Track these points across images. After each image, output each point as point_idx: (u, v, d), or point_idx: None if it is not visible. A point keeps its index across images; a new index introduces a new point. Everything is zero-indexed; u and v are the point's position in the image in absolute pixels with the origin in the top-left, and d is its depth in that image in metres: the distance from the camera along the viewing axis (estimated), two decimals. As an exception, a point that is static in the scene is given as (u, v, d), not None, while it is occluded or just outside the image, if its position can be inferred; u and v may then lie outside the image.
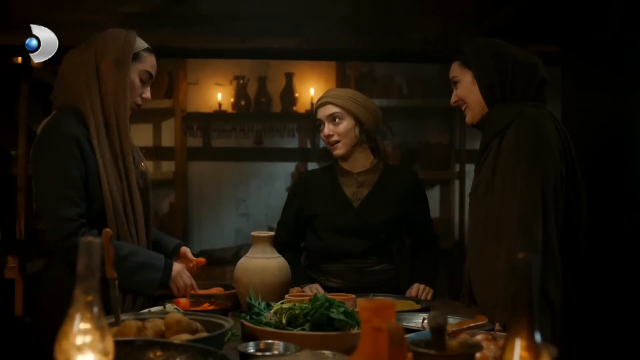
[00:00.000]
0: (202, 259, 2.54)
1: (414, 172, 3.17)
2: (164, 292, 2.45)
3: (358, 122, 2.84)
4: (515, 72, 2.23)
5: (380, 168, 2.93)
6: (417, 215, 2.95)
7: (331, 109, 2.84)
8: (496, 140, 2.23)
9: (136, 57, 2.30)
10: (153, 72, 2.38)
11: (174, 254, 2.51)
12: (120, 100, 2.25)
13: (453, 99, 2.39)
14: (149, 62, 2.36)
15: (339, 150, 2.87)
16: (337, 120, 2.83)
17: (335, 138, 2.85)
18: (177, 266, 2.32)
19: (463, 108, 2.37)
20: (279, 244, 2.95)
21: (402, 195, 2.89)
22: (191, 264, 2.50)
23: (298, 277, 2.79)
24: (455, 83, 2.37)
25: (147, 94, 2.38)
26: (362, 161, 2.91)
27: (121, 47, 2.27)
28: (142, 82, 2.34)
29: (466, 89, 2.33)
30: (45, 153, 2.21)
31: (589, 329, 3.17)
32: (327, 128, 2.85)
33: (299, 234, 2.99)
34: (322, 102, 2.87)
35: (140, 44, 2.34)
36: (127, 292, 2.20)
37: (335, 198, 2.89)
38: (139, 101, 2.36)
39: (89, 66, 2.24)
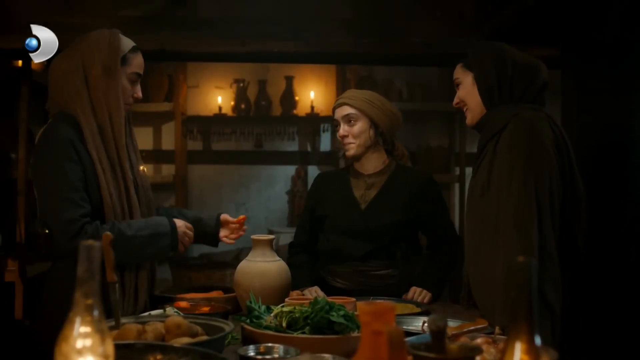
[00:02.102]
0: (242, 217, 2.64)
1: (427, 172, 3.13)
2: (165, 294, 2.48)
3: (373, 124, 2.85)
4: (515, 75, 2.24)
5: (391, 169, 2.93)
6: (429, 216, 2.91)
7: (346, 110, 2.85)
8: (492, 142, 2.24)
9: (124, 61, 2.30)
10: (141, 71, 2.38)
11: (218, 227, 2.60)
12: (113, 108, 2.26)
13: (455, 100, 2.41)
14: (136, 63, 2.36)
15: (351, 151, 2.88)
16: (351, 121, 2.85)
17: (349, 139, 2.86)
18: (179, 225, 2.38)
19: (464, 110, 2.39)
20: (296, 245, 2.98)
21: (412, 197, 2.86)
22: (235, 226, 2.61)
23: (307, 279, 2.80)
24: (458, 85, 2.39)
25: (138, 92, 2.38)
26: (374, 163, 2.91)
27: (107, 53, 2.26)
28: (132, 82, 2.35)
29: (466, 90, 2.35)
30: (43, 159, 2.22)
31: (589, 332, 3.16)
32: (342, 129, 2.87)
33: (315, 236, 2.99)
34: (338, 103, 2.90)
35: (125, 45, 2.32)
36: (143, 262, 2.29)
37: (343, 200, 2.90)
38: (131, 101, 2.37)
39: (77, 74, 2.24)
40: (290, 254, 2.99)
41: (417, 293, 2.74)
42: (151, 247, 2.26)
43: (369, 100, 2.85)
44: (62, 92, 2.26)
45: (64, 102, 2.25)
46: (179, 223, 2.38)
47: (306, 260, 2.93)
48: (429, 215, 2.92)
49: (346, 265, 2.84)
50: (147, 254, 2.28)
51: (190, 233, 2.42)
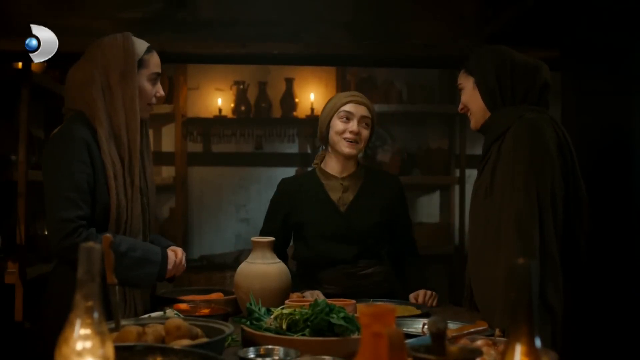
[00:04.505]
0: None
1: (397, 177, 3.16)
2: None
3: (371, 134, 2.92)
4: (515, 77, 2.26)
5: (363, 173, 2.95)
6: (400, 221, 2.99)
7: (366, 112, 2.87)
8: (496, 145, 2.25)
9: (140, 64, 2.32)
10: (159, 70, 2.40)
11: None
12: (130, 112, 2.28)
13: (459, 106, 2.43)
14: (153, 63, 2.38)
15: (353, 150, 2.87)
16: (366, 125, 2.87)
17: (357, 138, 2.85)
18: (171, 257, 2.36)
19: (468, 114, 2.40)
20: None
21: (386, 200, 2.92)
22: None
23: (301, 282, 2.81)
24: (461, 90, 2.41)
25: (160, 91, 2.41)
26: (350, 166, 2.93)
27: (124, 59, 2.28)
28: (152, 83, 2.36)
29: (468, 94, 2.37)
30: (53, 155, 2.25)
31: (591, 335, 3.16)
32: (357, 126, 2.84)
33: (285, 242, 2.99)
34: (358, 101, 2.88)
35: (140, 48, 2.34)
36: (126, 286, 2.25)
37: (322, 204, 2.90)
38: (154, 101, 2.40)
39: (94, 84, 2.26)
40: None
41: (428, 295, 2.75)
42: (138, 269, 2.24)
43: (375, 111, 2.93)
44: (78, 100, 2.28)
45: (81, 108, 2.27)
46: (171, 254, 2.37)
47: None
48: (401, 220, 2.99)
49: (333, 270, 2.85)
50: (132, 277, 2.23)
51: (179, 262, 2.40)
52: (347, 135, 2.84)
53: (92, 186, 2.20)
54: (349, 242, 2.84)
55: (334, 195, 2.90)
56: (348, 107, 2.86)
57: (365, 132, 2.86)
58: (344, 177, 2.92)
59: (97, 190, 2.21)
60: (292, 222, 2.93)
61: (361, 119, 2.85)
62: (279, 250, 2.94)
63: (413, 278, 2.89)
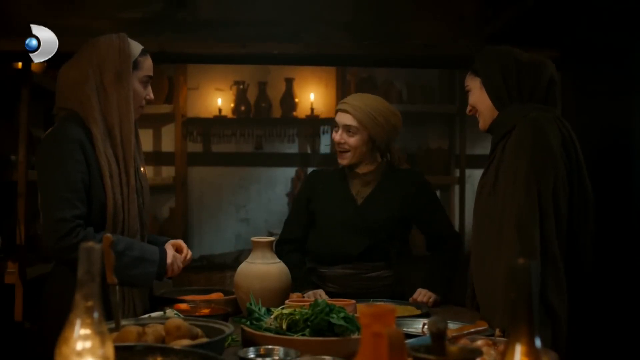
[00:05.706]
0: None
1: (419, 173, 3.12)
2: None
3: (371, 138, 2.84)
4: (521, 74, 2.26)
5: (386, 169, 2.93)
6: (426, 214, 2.93)
7: (348, 120, 2.82)
8: (501, 143, 2.25)
9: (135, 66, 2.32)
10: (151, 73, 2.40)
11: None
12: (124, 113, 2.28)
13: (468, 108, 2.43)
14: (147, 66, 2.38)
15: (345, 160, 2.86)
16: (350, 131, 2.83)
17: (344, 147, 2.84)
18: (169, 256, 2.35)
19: (477, 115, 2.40)
20: (287, 242, 2.96)
21: (406, 196, 2.87)
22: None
23: (304, 281, 2.80)
24: (468, 92, 2.41)
25: (150, 94, 2.41)
26: (368, 165, 2.92)
27: (119, 60, 2.28)
28: (144, 85, 2.37)
29: (476, 95, 2.37)
30: (47, 155, 2.24)
31: (595, 337, 3.15)
32: (340, 135, 2.84)
33: (307, 232, 2.99)
34: (342, 108, 2.85)
35: (135, 49, 2.34)
36: (125, 285, 2.23)
37: (340, 195, 2.92)
38: (144, 104, 2.40)
39: (88, 82, 2.25)
40: (283, 252, 2.86)
41: (422, 294, 2.74)
42: (136, 268, 2.22)
43: (372, 115, 2.81)
44: (71, 98, 2.27)
45: (74, 106, 2.26)
46: (170, 256, 2.36)
47: (301, 259, 2.92)
48: (426, 213, 2.94)
49: (338, 268, 2.84)
50: (130, 276, 2.20)
51: (179, 263, 2.39)
52: (337, 146, 2.88)
53: (87, 185, 2.20)
54: (360, 233, 2.83)
55: (354, 189, 2.92)
56: (336, 118, 2.88)
57: (352, 140, 2.82)
58: (364, 172, 2.91)
59: (92, 189, 2.21)
60: (310, 210, 2.96)
61: (344, 128, 2.84)
62: (301, 240, 2.96)
63: (425, 276, 2.86)
